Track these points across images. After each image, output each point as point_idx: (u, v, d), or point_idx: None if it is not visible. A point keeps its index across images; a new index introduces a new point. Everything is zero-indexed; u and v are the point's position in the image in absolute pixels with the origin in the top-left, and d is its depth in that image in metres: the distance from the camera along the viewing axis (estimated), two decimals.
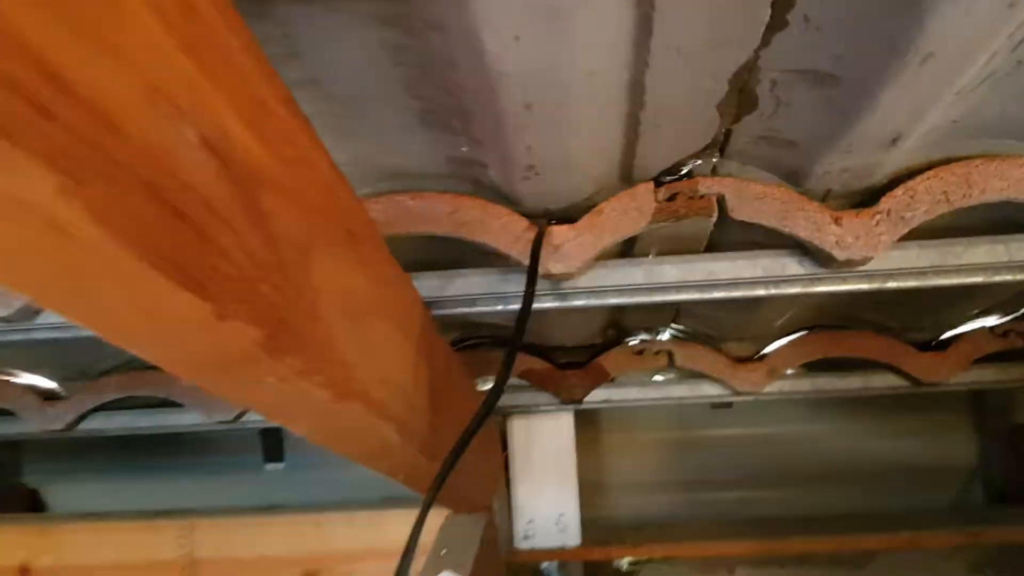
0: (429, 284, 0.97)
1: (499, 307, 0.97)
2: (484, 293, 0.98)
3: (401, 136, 0.84)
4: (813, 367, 1.70)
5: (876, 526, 1.58)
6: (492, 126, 0.74)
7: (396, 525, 1.52)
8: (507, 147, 0.77)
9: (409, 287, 0.85)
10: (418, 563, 1.23)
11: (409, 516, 1.55)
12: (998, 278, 0.98)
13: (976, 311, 1.46)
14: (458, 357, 1.16)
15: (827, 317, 1.56)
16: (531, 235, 0.90)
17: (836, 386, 1.62)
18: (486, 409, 0.81)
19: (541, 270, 0.89)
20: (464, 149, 0.85)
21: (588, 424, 2.02)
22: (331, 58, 0.70)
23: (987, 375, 1.59)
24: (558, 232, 0.90)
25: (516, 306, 0.89)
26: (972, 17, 0.60)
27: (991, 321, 1.55)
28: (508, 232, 0.90)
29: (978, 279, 0.98)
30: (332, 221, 0.54)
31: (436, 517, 1.35)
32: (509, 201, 0.93)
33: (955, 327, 1.56)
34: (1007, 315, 1.53)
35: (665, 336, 1.66)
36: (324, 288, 0.51)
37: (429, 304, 0.97)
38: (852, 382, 1.61)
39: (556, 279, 0.93)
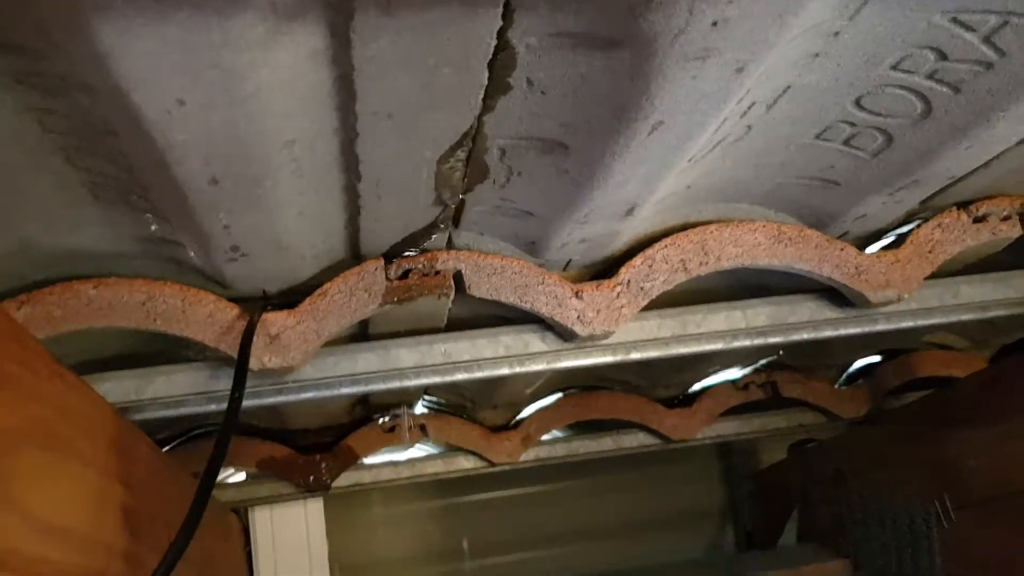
0: (121, 388, 0.82)
1: (211, 407, 0.83)
2: (192, 393, 0.84)
3: (71, 213, 0.69)
4: (568, 429, 1.68)
5: None
6: (176, 202, 0.61)
7: None
8: (199, 226, 0.65)
9: (87, 398, 0.70)
10: None
11: None
12: (736, 344, 0.98)
13: (718, 368, 1.49)
14: (171, 461, 1.01)
15: (577, 380, 1.54)
16: (244, 324, 0.77)
17: (590, 448, 1.60)
18: (191, 526, 0.67)
19: (256, 365, 0.77)
20: (153, 228, 0.71)
21: (344, 502, 1.88)
22: None
23: (731, 428, 1.63)
24: (275, 320, 0.78)
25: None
26: (700, 83, 0.56)
27: (734, 374, 1.59)
28: (215, 323, 0.77)
29: (718, 346, 0.97)
30: None
31: None
32: (218, 284, 0.81)
33: (700, 381, 1.59)
34: (747, 368, 1.58)
35: (418, 409, 1.57)
36: None
37: (124, 410, 0.82)
38: (605, 443, 1.60)
39: (275, 374, 0.81)
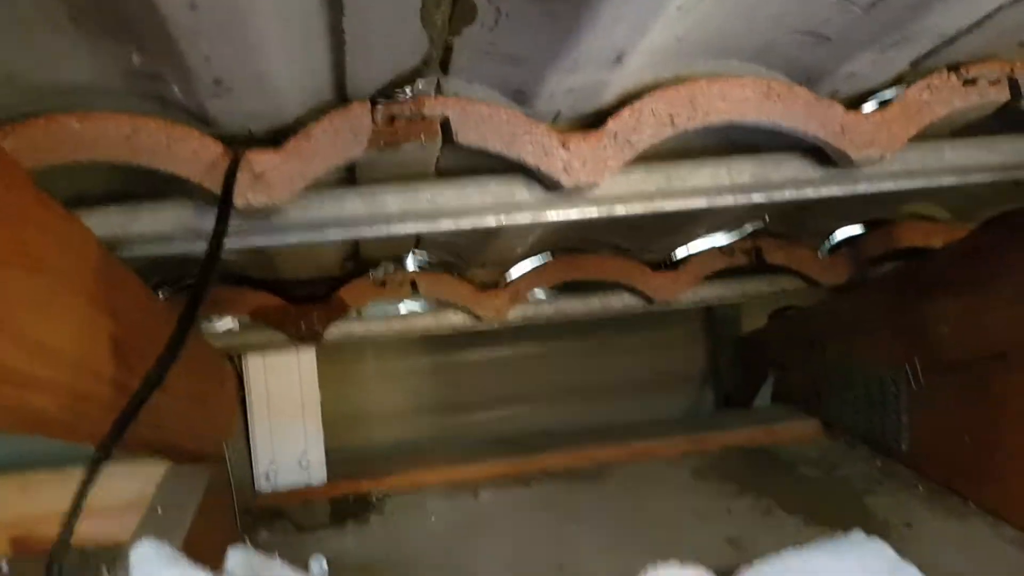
0: (107, 222, 0.83)
1: (199, 245, 0.84)
2: (179, 230, 0.85)
3: (55, 45, 0.69)
4: (555, 289, 1.71)
5: (611, 437, 1.64)
6: (156, 31, 0.61)
7: (117, 480, 1.39)
8: (181, 57, 0.65)
9: (74, 228, 0.72)
10: (133, 521, 1.11)
11: (132, 469, 1.41)
12: (720, 201, 0.99)
13: (704, 231, 1.50)
14: (163, 305, 1.03)
15: (567, 241, 1.56)
16: (228, 161, 0.78)
17: (577, 308, 1.63)
18: (170, 357, 0.70)
19: (241, 203, 0.78)
20: (136, 60, 0.71)
21: (337, 354, 1.94)
22: None
23: (714, 291, 1.66)
24: (260, 158, 0.79)
25: None
26: None
27: (720, 240, 1.61)
28: (199, 159, 0.77)
29: (702, 202, 0.99)
30: None
31: (157, 470, 1.23)
32: (202, 122, 0.81)
33: (686, 246, 1.61)
34: (733, 233, 1.60)
35: (409, 265, 1.60)
36: None
37: (111, 245, 0.84)
38: (592, 304, 1.63)
39: (260, 213, 0.82)
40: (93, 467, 0.64)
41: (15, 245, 0.57)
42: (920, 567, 1.03)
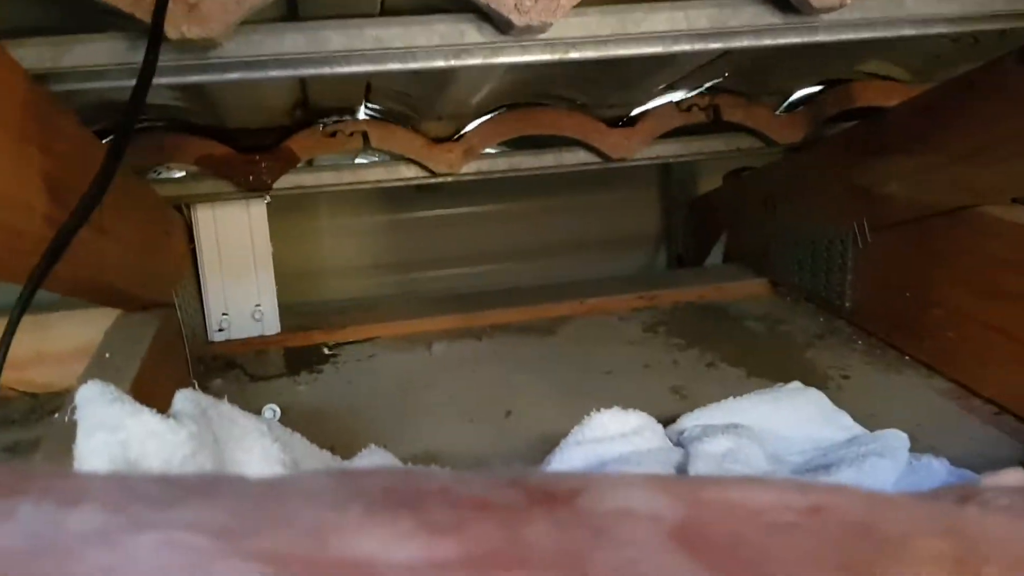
0: (37, 53, 0.79)
1: (132, 81, 0.81)
2: (111, 63, 0.81)
3: None
4: (510, 146, 1.69)
5: (565, 294, 1.66)
6: None
7: (68, 327, 1.39)
8: None
9: (1, 59, 0.68)
10: (81, 366, 1.11)
11: (83, 318, 1.40)
12: (676, 47, 0.96)
13: (662, 86, 1.48)
14: (100, 143, 1.00)
15: (523, 95, 1.52)
16: None
17: (532, 164, 1.62)
18: (100, 186, 0.68)
19: (174, 34, 0.74)
20: None
21: (290, 209, 1.91)
22: None
23: (671, 149, 1.65)
24: None
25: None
26: None
27: (677, 96, 1.59)
28: None
29: (657, 49, 0.96)
30: None
31: (108, 318, 1.23)
32: None
33: (644, 103, 1.59)
34: (691, 90, 1.58)
35: (360, 116, 1.56)
36: None
37: (40, 78, 0.80)
38: (546, 159, 1.62)
39: (195, 46, 0.78)
40: (22, 303, 0.63)
41: None
42: (854, 415, 1.08)
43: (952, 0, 0.95)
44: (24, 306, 0.63)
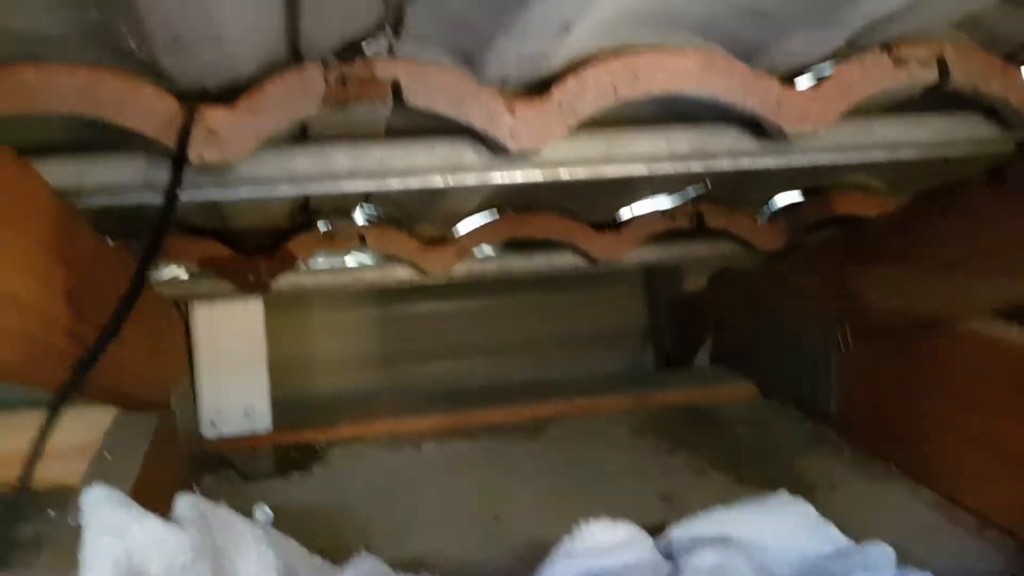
0: (64, 171, 0.84)
1: (152, 197, 0.86)
2: (133, 181, 0.86)
3: None
4: (502, 248, 1.74)
5: (553, 392, 1.68)
6: None
7: (65, 425, 1.40)
8: (137, 10, 0.66)
9: (27, 175, 0.73)
10: (81, 466, 1.12)
11: (79, 415, 1.41)
12: (660, 168, 1.02)
13: (648, 195, 1.54)
14: (118, 254, 1.04)
15: (514, 201, 1.58)
16: (183, 117, 0.79)
17: (522, 266, 1.67)
18: (127, 307, 0.72)
19: (195, 159, 0.79)
20: (94, 13, 0.72)
21: (285, 304, 1.95)
22: None
23: (656, 253, 1.70)
24: (214, 115, 0.80)
25: None
26: None
27: (662, 204, 1.65)
28: (154, 114, 0.78)
29: (642, 169, 1.02)
30: None
31: (106, 416, 1.24)
32: (159, 77, 0.82)
33: (630, 206, 1.65)
34: (676, 196, 1.64)
35: (358, 219, 1.61)
36: None
37: (66, 194, 0.84)
38: (537, 261, 1.67)
39: (213, 168, 0.83)
40: (53, 412, 0.66)
41: None
42: (841, 527, 1.08)
43: (921, 126, 1.02)
44: (55, 414, 0.66)
